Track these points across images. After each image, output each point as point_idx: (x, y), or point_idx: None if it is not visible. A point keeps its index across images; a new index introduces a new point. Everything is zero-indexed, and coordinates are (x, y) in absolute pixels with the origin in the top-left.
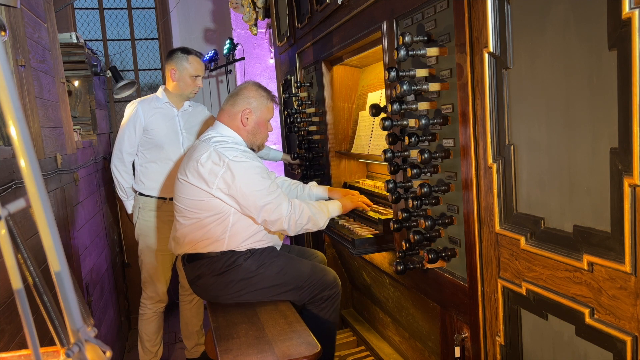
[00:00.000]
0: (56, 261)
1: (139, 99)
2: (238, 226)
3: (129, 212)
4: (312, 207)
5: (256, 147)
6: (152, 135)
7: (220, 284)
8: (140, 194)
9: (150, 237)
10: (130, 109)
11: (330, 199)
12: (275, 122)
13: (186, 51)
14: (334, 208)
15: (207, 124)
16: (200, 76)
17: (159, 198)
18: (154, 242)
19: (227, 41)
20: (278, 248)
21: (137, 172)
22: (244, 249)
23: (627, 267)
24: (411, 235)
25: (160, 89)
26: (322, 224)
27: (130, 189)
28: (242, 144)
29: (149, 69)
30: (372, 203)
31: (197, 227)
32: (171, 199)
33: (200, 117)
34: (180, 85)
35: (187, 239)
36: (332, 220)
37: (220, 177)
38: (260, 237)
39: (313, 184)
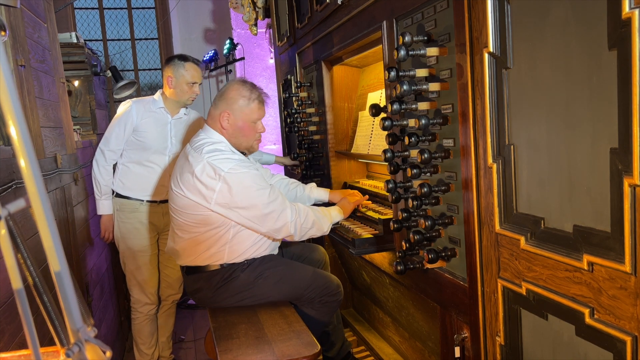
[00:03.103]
0: (56, 261)
1: (134, 99)
2: (238, 238)
3: (99, 212)
4: (315, 212)
5: (245, 151)
6: (141, 137)
7: (218, 297)
8: (118, 195)
9: (130, 239)
10: (124, 107)
11: (331, 201)
12: (275, 122)
13: (183, 58)
14: (336, 213)
15: (195, 126)
16: (197, 83)
17: (136, 200)
18: (135, 244)
19: (227, 41)
20: (276, 251)
21: (117, 171)
22: (242, 260)
23: (627, 267)
24: (411, 235)
25: (159, 93)
26: (326, 228)
27: (107, 187)
28: (232, 147)
29: (149, 69)
30: (369, 202)
31: (196, 241)
32: (148, 201)
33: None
34: (177, 92)
35: (187, 252)
36: None
37: (218, 192)
38: (259, 245)
39: (312, 185)
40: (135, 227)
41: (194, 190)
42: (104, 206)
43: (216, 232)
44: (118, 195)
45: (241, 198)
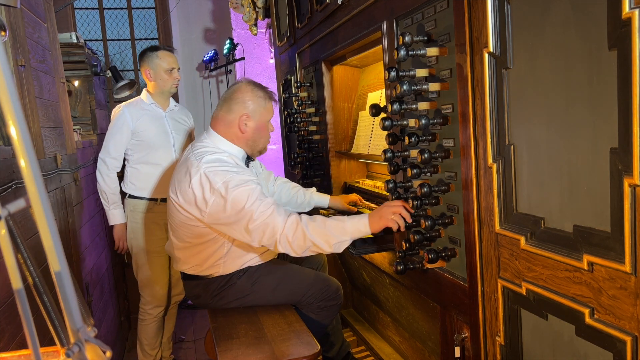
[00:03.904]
0: (56, 261)
1: (124, 103)
2: (234, 253)
3: (111, 223)
4: (327, 226)
5: (257, 153)
6: (142, 137)
7: (217, 303)
8: (131, 196)
9: (145, 240)
10: (116, 113)
11: (331, 207)
12: (276, 122)
13: (155, 48)
14: (354, 229)
15: (192, 137)
16: (176, 68)
17: (150, 199)
18: (149, 245)
19: (227, 41)
20: (275, 256)
21: (127, 174)
22: (240, 269)
23: (627, 267)
24: (411, 235)
25: (144, 92)
26: (329, 249)
27: (114, 195)
28: (238, 156)
29: None
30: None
31: (192, 252)
32: (162, 199)
33: (188, 121)
34: (158, 83)
35: (183, 261)
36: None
37: (211, 205)
38: (258, 258)
39: (313, 190)
40: (149, 227)
41: (189, 200)
42: (115, 215)
43: (210, 244)
44: (131, 197)
45: (233, 211)
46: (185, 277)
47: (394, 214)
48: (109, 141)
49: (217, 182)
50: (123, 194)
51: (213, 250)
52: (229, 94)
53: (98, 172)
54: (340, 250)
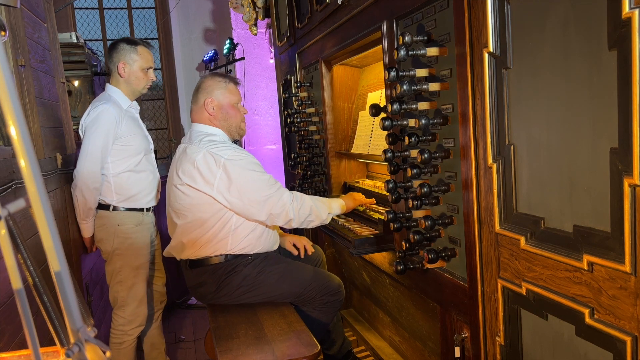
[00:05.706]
0: (56, 261)
1: (103, 101)
2: (240, 226)
3: (87, 235)
4: (314, 200)
5: (237, 135)
6: (127, 142)
7: (221, 292)
8: (115, 208)
9: (134, 256)
10: (101, 113)
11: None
12: (275, 122)
13: (132, 42)
14: (337, 205)
15: None
16: (152, 68)
17: (138, 210)
18: (137, 258)
19: (227, 41)
20: (276, 245)
21: (109, 185)
22: (245, 253)
23: (627, 267)
24: (411, 235)
25: (114, 89)
26: (324, 217)
27: (93, 209)
28: (225, 137)
29: None
30: (375, 205)
31: (200, 231)
32: (148, 209)
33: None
34: (131, 80)
35: (192, 244)
36: (332, 219)
37: (219, 178)
38: (259, 234)
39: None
40: (139, 241)
41: (196, 178)
42: (90, 227)
43: (218, 218)
44: (115, 209)
45: (242, 183)
46: (191, 265)
47: (360, 200)
48: (96, 146)
49: (222, 156)
50: (103, 207)
51: (222, 224)
52: (194, 89)
53: (84, 185)
54: (329, 220)
